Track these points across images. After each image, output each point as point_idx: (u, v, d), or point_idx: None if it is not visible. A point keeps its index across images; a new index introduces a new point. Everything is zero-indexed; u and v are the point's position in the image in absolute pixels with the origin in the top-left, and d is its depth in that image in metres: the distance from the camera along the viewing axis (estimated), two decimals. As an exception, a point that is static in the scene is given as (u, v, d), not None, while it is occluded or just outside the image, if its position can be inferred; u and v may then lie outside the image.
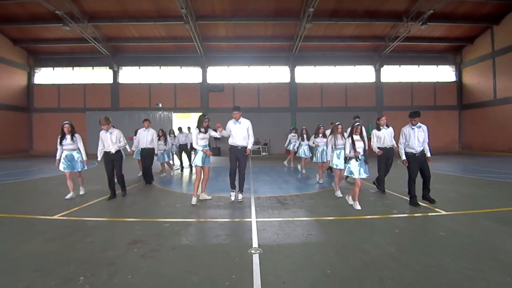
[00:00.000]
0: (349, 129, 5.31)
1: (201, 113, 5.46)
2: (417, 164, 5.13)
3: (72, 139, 5.84)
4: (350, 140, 5.01)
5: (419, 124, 5.17)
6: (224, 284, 2.49)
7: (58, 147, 5.86)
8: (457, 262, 2.84)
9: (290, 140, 11.57)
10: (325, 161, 7.63)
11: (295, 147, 11.14)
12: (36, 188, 7.47)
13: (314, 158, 7.94)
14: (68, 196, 5.90)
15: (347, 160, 5.10)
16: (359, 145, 4.98)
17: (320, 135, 7.85)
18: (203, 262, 2.93)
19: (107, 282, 2.52)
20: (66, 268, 2.78)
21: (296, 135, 11.48)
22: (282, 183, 7.96)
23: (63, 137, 5.83)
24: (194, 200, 5.40)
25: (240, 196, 5.68)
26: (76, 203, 5.47)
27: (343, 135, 6.09)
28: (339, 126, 6.16)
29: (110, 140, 5.82)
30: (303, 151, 9.76)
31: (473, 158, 15.35)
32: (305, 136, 9.75)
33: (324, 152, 7.64)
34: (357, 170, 4.94)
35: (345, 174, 5.18)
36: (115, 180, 6.06)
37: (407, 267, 2.74)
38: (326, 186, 7.33)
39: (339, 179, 6.20)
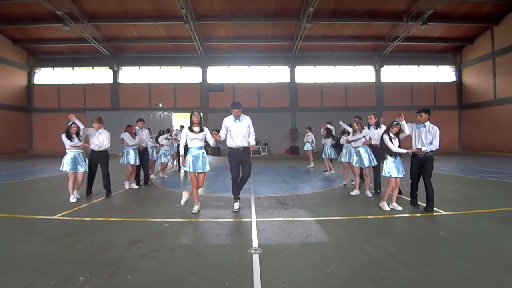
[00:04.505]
0: (383, 127, 5.44)
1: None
2: (417, 164, 4.79)
3: (79, 139, 5.75)
4: (388, 138, 4.81)
5: (428, 123, 4.66)
6: (224, 284, 2.49)
7: (68, 141, 5.61)
8: (457, 262, 2.83)
9: (306, 141, 11.10)
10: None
11: (312, 146, 11.01)
12: (36, 188, 7.47)
13: (343, 158, 7.08)
14: (73, 200, 5.66)
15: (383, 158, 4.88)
16: (396, 144, 4.84)
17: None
18: (203, 262, 2.93)
19: (107, 282, 2.52)
20: (66, 268, 2.78)
21: (310, 134, 11.01)
22: (282, 183, 7.96)
23: (70, 137, 5.65)
24: (195, 209, 4.83)
25: (236, 205, 4.96)
26: (76, 203, 5.46)
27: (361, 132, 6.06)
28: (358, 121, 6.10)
29: (97, 139, 5.85)
30: (328, 151, 9.10)
31: (473, 158, 15.35)
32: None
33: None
34: (395, 169, 4.79)
35: (383, 174, 4.89)
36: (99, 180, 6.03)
37: (407, 267, 2.74)
38: (327, 187, 7.33)
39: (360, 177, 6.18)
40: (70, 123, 5.73)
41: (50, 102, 21.47)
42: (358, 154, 5.97)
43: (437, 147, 4.59)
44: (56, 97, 21.57)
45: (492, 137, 18.82)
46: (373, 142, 5.87)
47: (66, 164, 5.63)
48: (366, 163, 5.87)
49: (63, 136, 5.67)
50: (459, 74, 21.93)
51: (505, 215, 4.50)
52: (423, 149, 4.63)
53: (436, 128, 4.62)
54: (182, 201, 5.12)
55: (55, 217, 4.59)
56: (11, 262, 2.93)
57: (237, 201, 5.02)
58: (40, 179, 9.04)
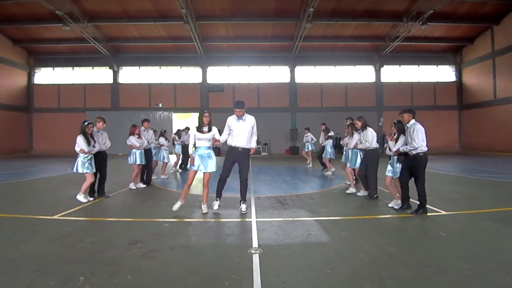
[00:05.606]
0: (369, 129, 5.66)
1: (199, 112, 4.86)
2: (405, 165, 4.63)
3: (95, 142, 5.62)
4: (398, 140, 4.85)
5: (412, 122, 4.52)
6: (224, 284, 2.49)
7: (88, 148, 5.37)
8: (457, 262, 2.83)
9: (306, 141, 11.12)
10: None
11: (313, 147, 11.10)
12: (36, 188, 7.47)
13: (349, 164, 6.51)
14: (85, 200, 5.52)
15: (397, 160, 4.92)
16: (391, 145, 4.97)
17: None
18: (203, 262, 2.93)
19: (107, 282, 2.52)
20: (66, 268, 2.78)
21: (310, 134, 11.05)
22: (282, 183, 7.95)
23: (87, 139, 5.43)
24: (176, 206, 4.67)
25: (243, 207, 4.83)
26: (76, 203, 5.44)
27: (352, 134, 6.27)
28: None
29: (100, 140, 5.83)
30: (330, 151, 9.03)
31: (473, 158, 15.34)
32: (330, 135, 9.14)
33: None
34: (391, 169, 4.99)
35: (395, 176, 4.94)
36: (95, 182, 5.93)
37: (407, 267, 2.74)
38: (327, 187, 7.33)
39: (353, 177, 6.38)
40: (87, 123, 5.50)
41: (50, 102, 21.46)
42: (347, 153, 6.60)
43: (417, 146, 4.32)
44: (56, 97, 21.55)
45: (492, 137, 18.81)
46: (360, 146, 5.92)
47: (82, 165, 5.36)
48: (343, 160, 6.76)
49: (81, 140, 5.33)
50: (459, 74, 21.92)
51: (505, 215, 4.50)
52: (400, 149, 4.64)
53: (417, 127, 4.40)
54: (176, 207, 4.71)
55: (55, 217, 4.58)
56: (11, 262, 2.93)
57: (218, 199, 4.93)
58: (40, 179, 9.04)
